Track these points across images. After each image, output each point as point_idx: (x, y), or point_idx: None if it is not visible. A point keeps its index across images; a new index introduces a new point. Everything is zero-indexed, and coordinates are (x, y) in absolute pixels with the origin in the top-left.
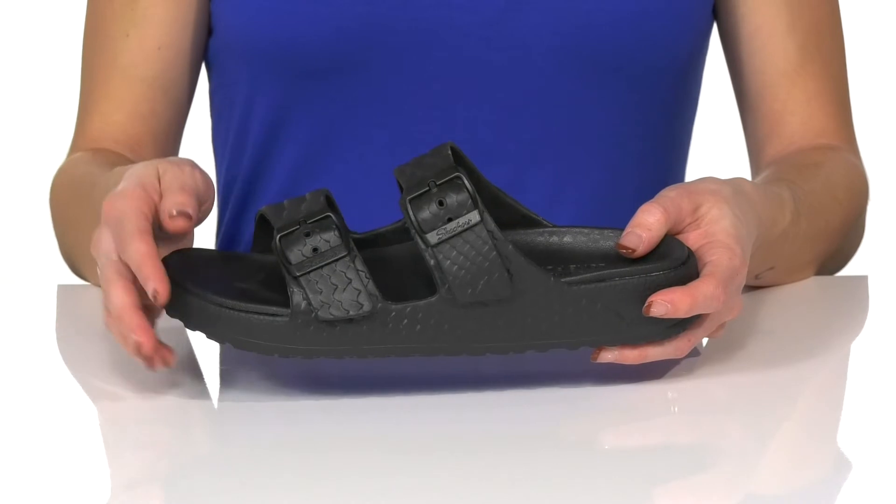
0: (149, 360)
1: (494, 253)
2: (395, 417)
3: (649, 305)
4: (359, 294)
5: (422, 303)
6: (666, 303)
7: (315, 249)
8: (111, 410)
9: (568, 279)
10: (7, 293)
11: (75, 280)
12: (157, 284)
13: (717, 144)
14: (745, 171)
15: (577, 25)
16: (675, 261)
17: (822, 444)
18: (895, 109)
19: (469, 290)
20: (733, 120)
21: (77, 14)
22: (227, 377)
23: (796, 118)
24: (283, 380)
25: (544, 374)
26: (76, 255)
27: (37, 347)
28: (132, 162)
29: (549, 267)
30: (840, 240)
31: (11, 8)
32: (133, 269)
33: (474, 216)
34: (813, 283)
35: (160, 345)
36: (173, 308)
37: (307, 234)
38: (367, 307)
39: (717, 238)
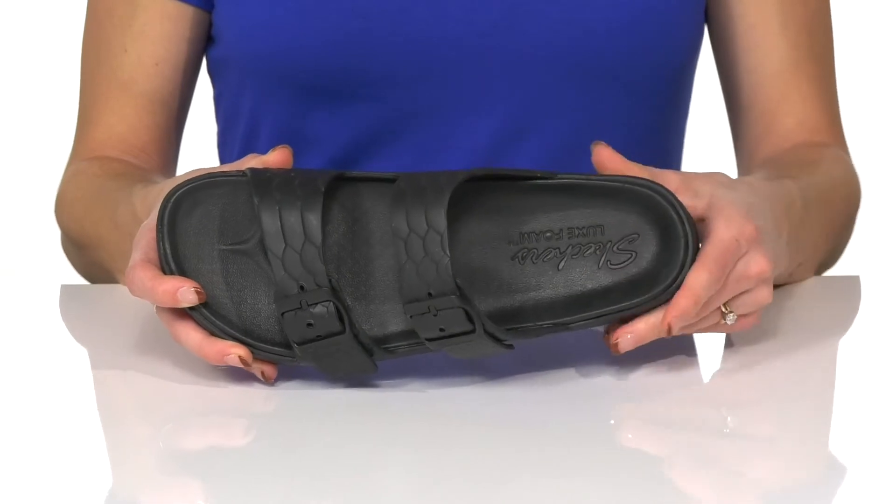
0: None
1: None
2: (396, 409)
3: (615, 346)
4: (361, 363)
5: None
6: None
7: (309, 325)
8: (114, 410)
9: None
10: (10, 292)
11: (78, 280)
12: (229, 357)
13: (711, 142)
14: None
15: (573, 35)
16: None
17: (815, 444)
18: (885, 109)
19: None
20: (724, 118)
21: (77, 20)
22: (230, 371)
23: (791, 118)
24: (283, 371)
25: (545, 364)
26: (99, 270)
27: (40, 347)
28: (139, 168)
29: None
30: (843, 234)
31: (12, 13)
32: (194, 352)
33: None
34: (805, 283)
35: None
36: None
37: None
38: (370, 369)
39: (719, 206)
